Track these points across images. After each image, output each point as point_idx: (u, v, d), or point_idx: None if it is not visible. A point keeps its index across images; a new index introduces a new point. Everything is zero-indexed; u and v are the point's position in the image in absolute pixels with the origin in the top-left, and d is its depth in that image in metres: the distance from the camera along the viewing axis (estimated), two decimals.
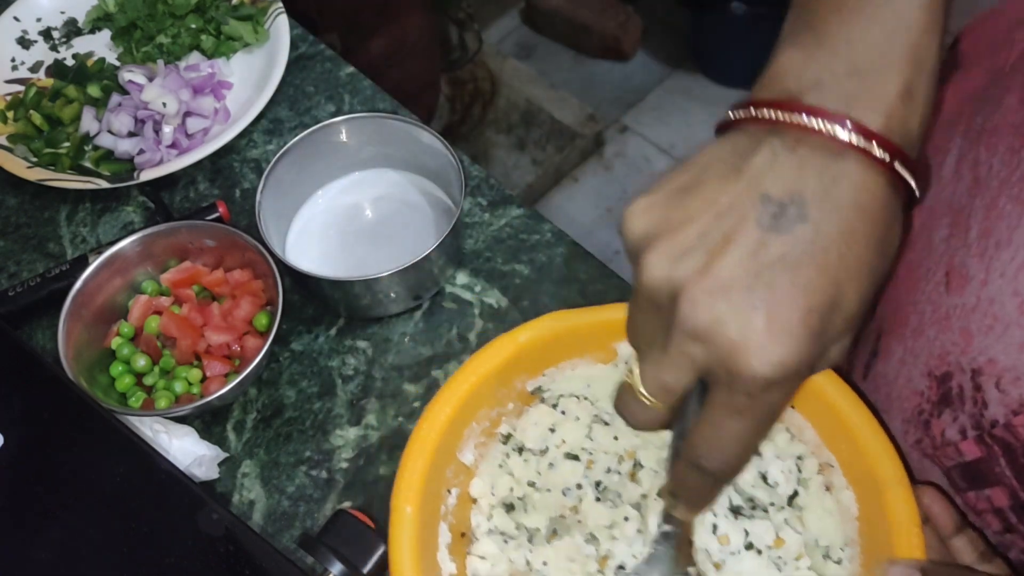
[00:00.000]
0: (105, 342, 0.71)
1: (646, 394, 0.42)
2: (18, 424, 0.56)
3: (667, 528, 0.50)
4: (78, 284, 0.69)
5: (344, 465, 0.69)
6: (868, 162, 0.39)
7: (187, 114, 0.83)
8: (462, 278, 0.77)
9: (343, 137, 0.77)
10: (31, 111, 0.84)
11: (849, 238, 0.39)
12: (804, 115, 0.39)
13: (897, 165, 0.39)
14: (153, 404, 0.68)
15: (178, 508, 0.53)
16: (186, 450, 0.65)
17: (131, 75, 0.83)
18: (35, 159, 0.82)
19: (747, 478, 0.60)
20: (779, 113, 0.40)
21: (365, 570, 0.55)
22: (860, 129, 0.39)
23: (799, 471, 0.59)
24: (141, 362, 0.70)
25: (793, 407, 0.59)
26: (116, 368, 0.70)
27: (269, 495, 0.68)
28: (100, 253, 0.72)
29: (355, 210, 0.80)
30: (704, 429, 0.41)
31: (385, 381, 0.72)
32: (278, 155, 0.74)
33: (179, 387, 0.68)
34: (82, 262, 0.75)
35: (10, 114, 0.85)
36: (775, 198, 0.38)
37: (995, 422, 0.49)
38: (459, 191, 0.73)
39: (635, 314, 0.42)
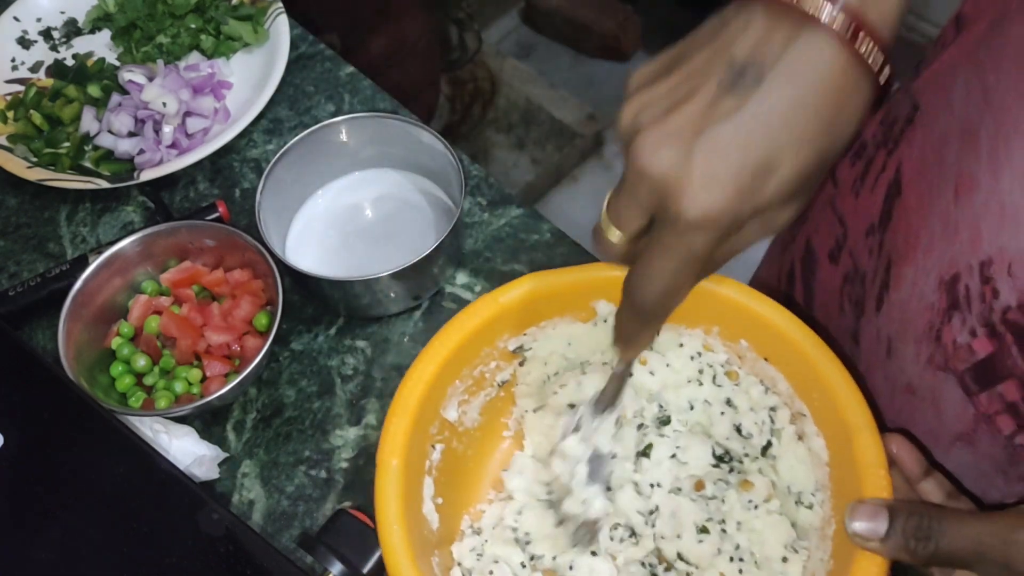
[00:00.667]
0: (105, 342, 0.71)
1: (607, 223, 0.46)
2: (18, 424, 0.57)
3: (620, 368, 0.55)
4: (78, 284, 0.69)
5: (344, 465, 0.69)
6: (834, 37, 0.41)
7: (187, 114, 0.83)
8: (462, 278, 0.77)
9: (343, 137, 0.77)
10: (31, 111, 0.84)
11: (798, 107, 0.41)
12: None
13: (861, 45, 0.41)
14: (153, 404, 0.68)
15: (178, 508, 0.53)
16: (186, 450, 0.65)
17: (131, 75, 0.83)
18: (35, 159, 0.82)
19: (722, 430, 0.63)
20: None
21: (365, 570, 0.55)
22: (827, 2, 0.41)
23: (772, 422, 0.62)
24: (141, 362, 0.70)
25: (767, 359, 0.61)
26: (116, 368, 0.70)
27: (269, 495, 0.68)
28: (100, 253, 0.72)
29: (355, 210, 0.80)
30: (638, 264, 0.45)
31: (385, 381, 0.73)
32: (278, 155, 0.74)
33: (179, 387, 0.68)
34: (82, 262, 0.75)
35: (10, 114, 0.85)
36: (738, 61, 0.42)
37: (1007, 308, 0.51)
38: (459, 191, 0.73)
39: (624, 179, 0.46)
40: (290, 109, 0.87)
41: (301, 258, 0.77)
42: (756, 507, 0.61)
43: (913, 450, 0.54)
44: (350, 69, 0.89)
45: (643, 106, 0.43)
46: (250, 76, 0.88)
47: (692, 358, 0.65)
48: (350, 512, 0.58)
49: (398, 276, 0.71)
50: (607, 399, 0.56)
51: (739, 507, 0.61)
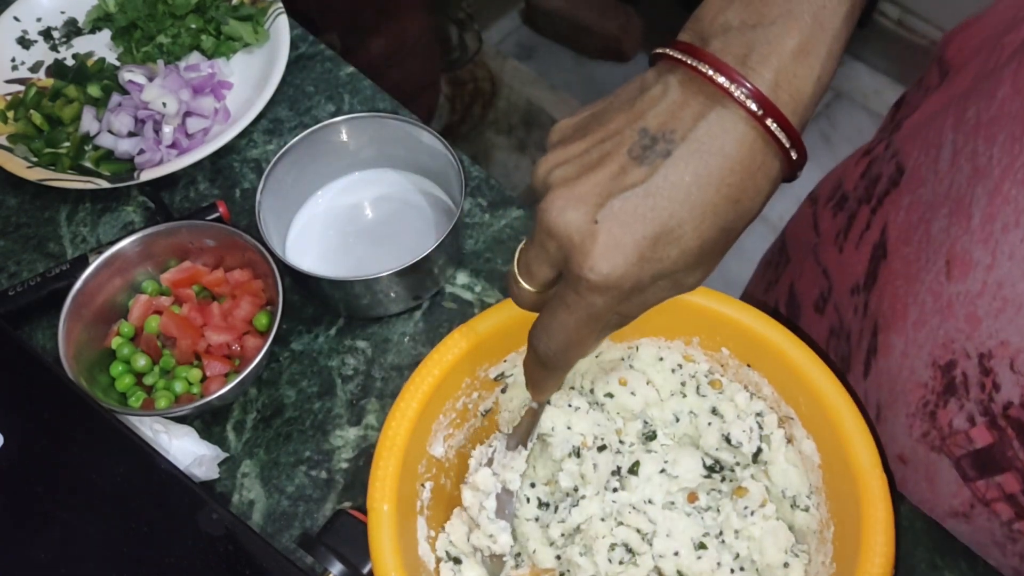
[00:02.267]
0: (105, 342, 0.71)
1: (518, 273, 0.47)
2: (18, 424, 0.56)
3: (534, 405, 0.58)
4: (78, 284, 0.69)
5: (344, 465, 0.69)
6: (743, 113, 0.42)
7: (187, 114, 0.83)
8: (462, 278, 0.77)
9: (343, 137, 0.77)
10: (31, 111, 0.84)
11: (703, 181, 0.42)
12: (698, 59, 0.42)
13: (770, 122, 0.42)
14: (153, 404, 0.68)
15: (178, 508, 0.53)
16: (186, 450, 0.65)
17: (131, 75, 0.83)
18: (35, 159, 0.82)
19: (711, 441, 0.62)
20: (681, 54, 0.43)
21: (364, 570, 0.55)
22: (741, 80, 0.41)
23: (760, 428, 0.62)
24: (141, 362, 0.70)
25: (750, 365, 0.62)
26: (116, 368, 0.70)
27: (269, 495, 0.68)
28: (100, 253, 0.72)
29: (355, 210, 0.80)
30: (542, 315, 0.47)
31: (385, 381, 0.72)
32: (278, 155, 0.74)
33: (179, 387, 0.68)
34: (82, 262, 0.75)
35: (10, 114, 0.85)
36: (650, 131, 0.43)
37: (1009, 403, 0.50)
38: (459, 191, 0.73)
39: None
40: (290, 109, 0.87)
41: (301, 258, 0.77)
42: (752, 513, 0.60)
43: None
44: (350, 69, 0.89)
45: (557, 163, 0.44)
46: (250, 76, 0.88)
47: (673, 371, 0.65)
48: (350, 512, 0.58)
49: (398, 276, 0.70)
50: (519, 435, 0.57)
51: (735, 515, 0.60)
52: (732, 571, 0.59)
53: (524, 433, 0.57)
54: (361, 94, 0.87)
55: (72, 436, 0.57)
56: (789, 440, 0.61)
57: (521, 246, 0.47)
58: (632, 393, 0.64)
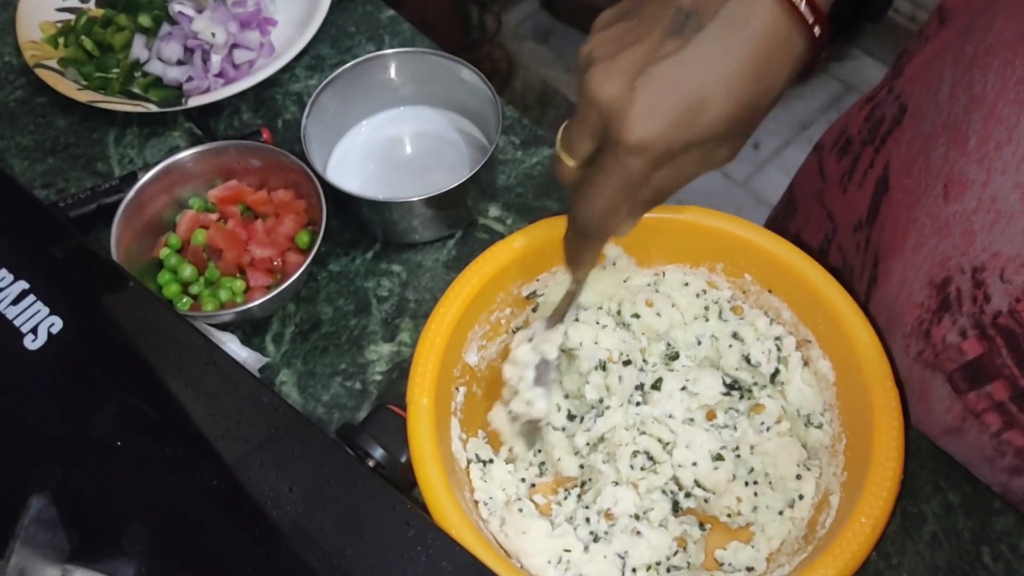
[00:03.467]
0: (153, 252, 0.74)
1: (561, 149, 0.51)
2: (76, 310, 0.59)
3: (572, 287, 0.60)
4: (131, 193, 0.72)
5: (378, 378, 0.72)
6: (784, 5, 0.46)
7: (234, 46, 0.86)
8: (494, 211, 0.80)
9: (387, 71, 0.80)
10: (82, 37, 0.87)
11: (731, 53, 0.46)
12: None
13: (802, 5, 0.46)
14: (199, 310, 0.71)
15: (230, 389, 0.56)
16: (229, 352, 0.68)
17: (181, 6, 0.86)
18: (85, 83, 0.85)
19: (731, 361, 0.66)
20: None
21: (402, 459, 0.58)
22: None
23: (779, 350, 0.65)
24: (187, 271, 0.73)
25: (771, 291, 0.65)
26: (164, 276, 0.73)
27: (306, 402, 0.71)
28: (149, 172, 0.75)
29: (394, 143, 0.83)
30: (582, 186, 0.50)
31: (418, 303, 0.75)
32: (324, 83, 0.77)
33: (224, 295, 0.71)
34: (131, 178, 0.78)
35: (61, 40, 0.88)
36: (684, 8, 0.46)
37: (998, 313, 0.54)
38: (495, 128, 0.76)
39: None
40: (332, 47, 0.90)
41: (340, 184, 0.80)
42: (768, 429, 0.64)
43: None
44: (390, 12, 0.92)
45: (598, 44, 0.48)
46: (294, 15, 0.91)
47: (697, 295, 0.68)
48: (390, 408, 0.61)
49: (434, 202, 0.73)
50: (558, 314, 0.60)
51: (751, 431, 0.64)
52: (746, 483, 0.63)
53: (561, 312, 0.60)
54: (401, 36, 0.90)
55: (128, 323, 0.60)
56: (806, 362, 0.65)
57: (564, 124, 0.50)
58: (658, 314, 0.67)
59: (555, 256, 0.66)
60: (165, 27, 0.86)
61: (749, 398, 0.65)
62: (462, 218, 0.78)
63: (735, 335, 0.67)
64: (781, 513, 0.62)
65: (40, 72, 0.84)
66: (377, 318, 0.75)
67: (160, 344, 0.58)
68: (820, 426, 0.63)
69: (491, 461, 0.64)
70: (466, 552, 0.51)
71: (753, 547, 0.62)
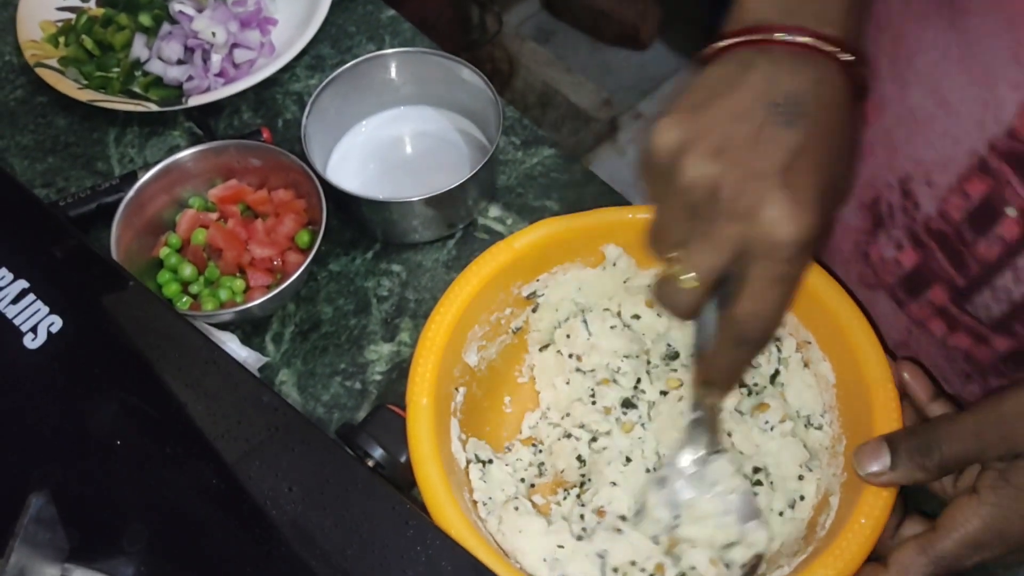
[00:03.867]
0: (153, 252, 0.74)
1: (691, 278, 0.47)
2: (76, 309, 0.59)
3: (698, 415, 0.55)
4: (131, 192, 0.72)
5: (377, 378, 0.72)
6: (838, 65, 0.47)
7: (234, 45, 0.86)
8: (494, 211, 0.80)
9: (387, 71, 0.81)
10: (83, 36, 0.87)
11: (836, 127, 0.47)
12: (784, 33, 0.47)
13: (857, 65, 0.48)
14: (199, 309, 0.71)
15: (231, 388, 0.56)
16: (229, 351, 0.68)
17: (181, 6, 0.86)
18: (86, 82, 0.85)
19: None
20: (760, 36, 0.47)
21: (402, 459, 0.58)
22: (828, 38, 0.47)
23: (779, 351, 0.65)
24: (187, 271, 0.73)
25: None
26: (164, 276, 0.73)
27: (305, 401, 0.71)
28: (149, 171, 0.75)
29: (394, 143, 0.83)
30: (747, 304, 0.46)
31: (418, 302, 0.75)
32: (324, 83, 0.77)
33: (224, 295, 0.71)
34: (131, 178, 0.78)
35: (61, 39, 0.88)
36: (779, 101, 0.46)
37: (929, 217, 0.57)
38: (495, 128, 0.76)
39: (670, 217, 0.48)
40: (332, 47, 0.90)
41: (340, 184, 0.80)
42: (772, 428, 0.63)
43: (923, 376, 0.57)
44: (391, 12, 0.92)
45: (710, 157, 0.45)
46: (294, 14, 0.91)
47: None
48: (389, 408, 0.61)
49: (434, 202, 0.74)
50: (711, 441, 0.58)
51: (756, 430, 0.64)
52: (746, 477, 0.63)
53: (717, 438, 0.59)
54: (401, 36, 0.90)
55: (128, 322, 0.60)
56: (806, 364, 0.65)
57: (670, 265, 0.47)
58: (658, 315, 0.67)
59: (555, 256, 0.66)
60: (165, 26, 0.86)
61: (754, 395, 0.65)
62: (462, 218, 0.78)
63: None
64: (782, 514, 0.62)
65: (40, 71, 0.84)
66: (377, 318, 0.75)
67: (160, 344, 0.58)
68: (820, 427, 0.63)
69: (491, 462, 0.64)
70: (466, 552, 0.51)
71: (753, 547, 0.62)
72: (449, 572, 0.50)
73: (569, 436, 0.65)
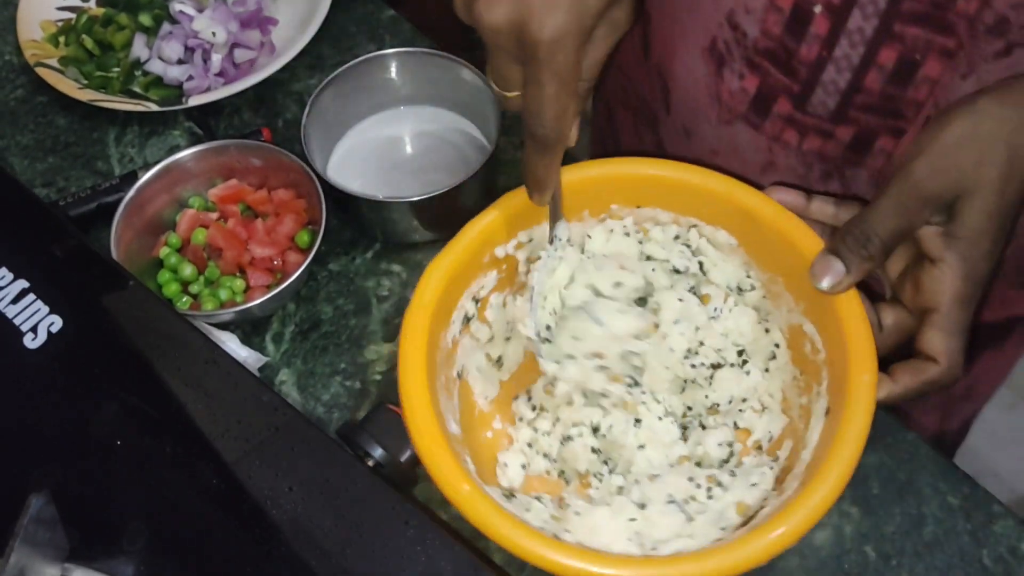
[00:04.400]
0: (153, 252, 0.74)
1: (498, 90, 0.53)
2: (76, 309, 0.59)
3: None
4: (132, 192, 0.72)
5: (377, 377, 0.72)
6: None
7: (234, 45, 0.86)
8: None
9: (387, 71, 0.80)
10: (83, 36, 0.87)
11: None
12: None
13: None
14: (199, 309, 0.71)
15: (231, 389, 0.56)
16: (229, 351, 0.68)
17: (181, 6, 0.86)
18: (86, 82, 0.85)
19: (663, 279, 0.67)
20: None
21: (403, 458, 0.58)
22: None
23: (688, 247, 0.67)
24: (187, 271, 0.73)
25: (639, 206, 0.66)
26: (164, 275, 0.73)
27: (305, 401, 0.71)
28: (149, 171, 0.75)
29: (395, 143, 0.83)
30: (527, 104, 0.52)
31: None
32: (324, 83, 0.77)
33: (224, 295, 0.71)
34: (132, 177, 0.78)
35: (61, 39, 0.88)
36: None
37: (756, 39, 0.63)
38: (495, 128, 0.76)
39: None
40: (333, 47, 0.90)
41: (340, 184, 0.80)
42: (720, 311, 0.66)
43: (792, 190, 0.62)
44: (391, 12, 0.92)
45: None
46: (295, 14, 0.91)
47: (628, 235, 0.69)
48: (389, 407, 0.61)
49: (433, 202, 0.73)
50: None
51: (712, 323, 0.66)
52: (734, 364, 0.65)
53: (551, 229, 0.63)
54: (402, 35, 0.90)
55: (128, 322, 0.60)
56: (712, 244, 0.66)
57: (487, 67, 0.53)
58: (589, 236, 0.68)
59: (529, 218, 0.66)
60: (166, 26, 0.86)
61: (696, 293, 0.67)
62: (462, 218, 0.78)
63: (648, 257, 0.68)
64: (767, 371, 0.64)
65: (40, 71, 0.84)
66: (377, 318, 0.75)
67: (160, 343, 0.58)
68: (752, 288, 0.65)
69: (512, 496, 0.62)
70: (465, 552, 0.51)
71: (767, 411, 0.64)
72: (449, 572, 0.50)
73: (570, 439, 0.65)
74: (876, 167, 0.66)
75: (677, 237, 0.67)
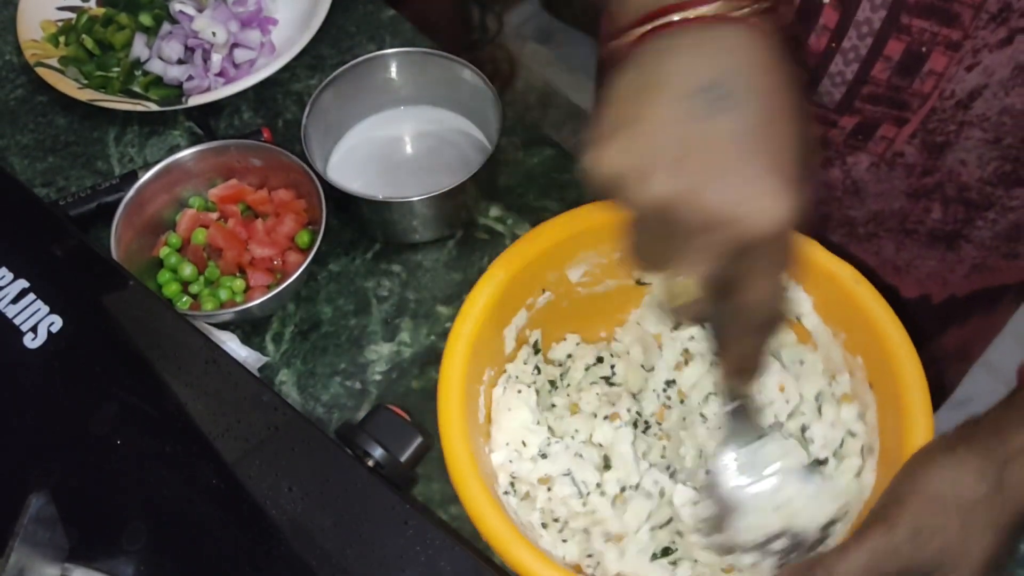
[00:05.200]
0: (153, 251, 0.74)
1: (689, 290, 0.45)
2: (76, 309, 0.59)
3: (734, 405, 0.54)
4: (132, 192, 0.72)
5: (377, 378, 0.72)
6: (750, 22, 0.44)
7: (234, 45, 0.86)
8: (495, 211, 0.80)
9: (387, 71, 0.81)
10: (83, 35, 0.87)
11: (772, 91, 0.43)
12: (682, 12, 0.44)
13: (755, 14, 0.44)
14: (199, 309, 0.71)
15: (231, 388, 0.56)
16: (229, 351, 0.68)
17: (182, 6, 0.86)
18: (86, 81, 0.85)
19: None
20: (662, 20, 0.44)
21: (402, 458, 0.58)
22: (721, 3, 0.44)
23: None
24: (187, 270, 0.73)
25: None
26: (164, 275, 0.73)
27: (305, 401, 0.71)
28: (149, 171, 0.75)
29: (395, 143, 0.83)
30: (752, 294, 0.45)
31: (419, 303, 0.75)
32: (324, 83, 0.77)
33: (224, 295, 0.71)
34: (132, 177, 0.78)
35: (61, 39, 0.88)
36: (705, 88, 0.42)
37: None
38: (495, 128, 0.76)
39: (644, 239, 0.45)
40: (333, 47, 0.90)
41: (340, 184, 0.80)
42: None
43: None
44: (391, 12, 0.92)
45: (665, 175, 0.41)
46: (295, 14, 0.91)
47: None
48: (389, 408, 0.61)
49: (434, 201, 0.74)
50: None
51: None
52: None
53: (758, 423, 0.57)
54: (402, 36, 0.90)
55: (128, 322, 0.60)
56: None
57: (662, 287, 0.46)
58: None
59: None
60: (166, 26, 0.86)
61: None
62: (462, 218, 0.78)
63: None
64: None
65: (41, 71, 0.84)
66: (377, 318, 0.75)
67: (160, 343, 0.58)
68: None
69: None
70: (465, 552, 0.51)
71: None
72: (449, 572, 0.50)
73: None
74: (878, 152, 0.66)
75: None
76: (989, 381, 0.90)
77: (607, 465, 0.62)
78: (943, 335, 0.82)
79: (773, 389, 0.63)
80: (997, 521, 0.49)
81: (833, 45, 0.61)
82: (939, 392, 0.93)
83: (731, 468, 0.55)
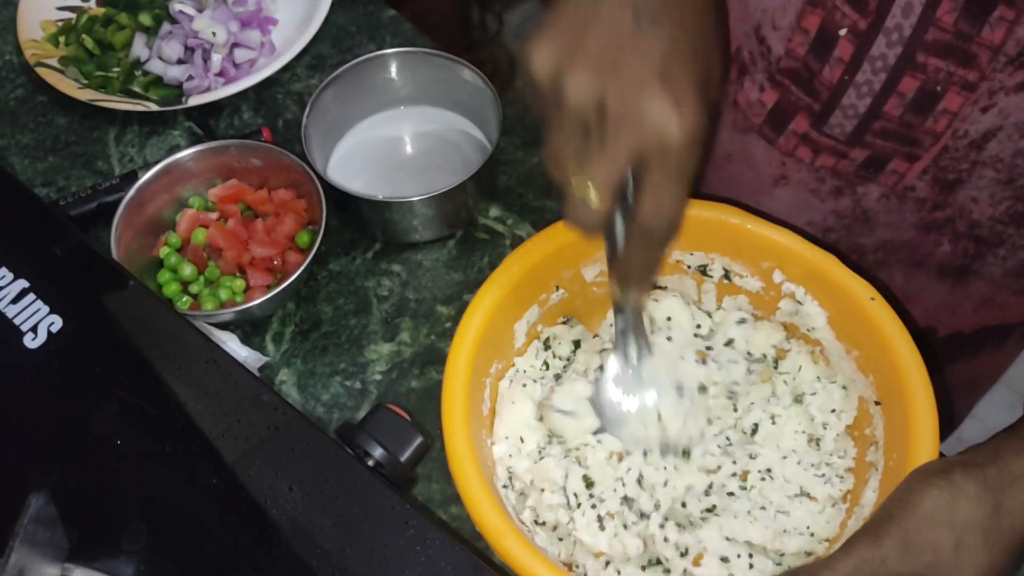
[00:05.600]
0: (153, 251, 0.74)
1: (594, 196, 0.47)
2: (76, 309, 0.59)
3: (622, 323, 0.56)
4: (132, 192, 0.72)
5: (377, 377, 0.72)
6: None
7: (234, 45, 0.86)
8: (495, 211, 0.80)
9: (387, 71, 0.81)
10: (83, 35, 0.87)
11: (698, 15, 0.47)
12: None
13: None
14: (199, 308, 0.71)
15: (231, 388, 0.56)
16: (229, 351, 0.68)
17: (181, 6, 0.86)
18: (86, 81, 0.85)
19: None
20: None
21: (402, 458, 0.58)
22: None
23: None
24: (187, 270, 0.73)
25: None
26: (164, 275, 0.73)
27: (305, 401, 0.71)
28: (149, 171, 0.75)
29: (395, 143, 0.83)
30: (649, 203, 0.47)
31: (419, 302, 0.75)
32: (324, 83, 0.77)
33: (224, 295, 0.71)
34: (132, 177, 0.78)
35: (61, 39, 0.88)
36: (639, 5, 0.46)
37: (779, 57, 0.63)
38: (495, 128, 0.76)
39: (562, 136, 0.47)
40: (333, 47, 0.90)
41: (340, 184, 0.80)
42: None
43: None
44: (391, 12, 0.92)
45: (590, 74, 0.44)
46: (295, 14, 0.91)
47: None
48: (389, 407, 0.61)
49: (434, 201, 0.74)
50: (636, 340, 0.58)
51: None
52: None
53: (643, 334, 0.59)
54: (402, 35, 0.90)
55: (128, 322, 0.60)
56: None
57: (573, 170, 0.47)
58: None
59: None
60: (166, 26, 0.86)
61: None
62: (462, 218, 0.78)
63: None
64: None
65: (41, 71, 0.84)
66: (377, 318, 0.75)
67: (160, 343, 0.58)
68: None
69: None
70: (465, 552, 0.51)
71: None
72: (448, 572, 0.50)
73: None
74: (888, 184, 0.65)
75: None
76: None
77: (589, 482, 0.62)
78: (952, 367, 0.81)
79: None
80: (994, 543, 0.49)
81: (847, 78, 0.60)
82: (947, 424, 0.92)
83: (613, 382, 0.59)
